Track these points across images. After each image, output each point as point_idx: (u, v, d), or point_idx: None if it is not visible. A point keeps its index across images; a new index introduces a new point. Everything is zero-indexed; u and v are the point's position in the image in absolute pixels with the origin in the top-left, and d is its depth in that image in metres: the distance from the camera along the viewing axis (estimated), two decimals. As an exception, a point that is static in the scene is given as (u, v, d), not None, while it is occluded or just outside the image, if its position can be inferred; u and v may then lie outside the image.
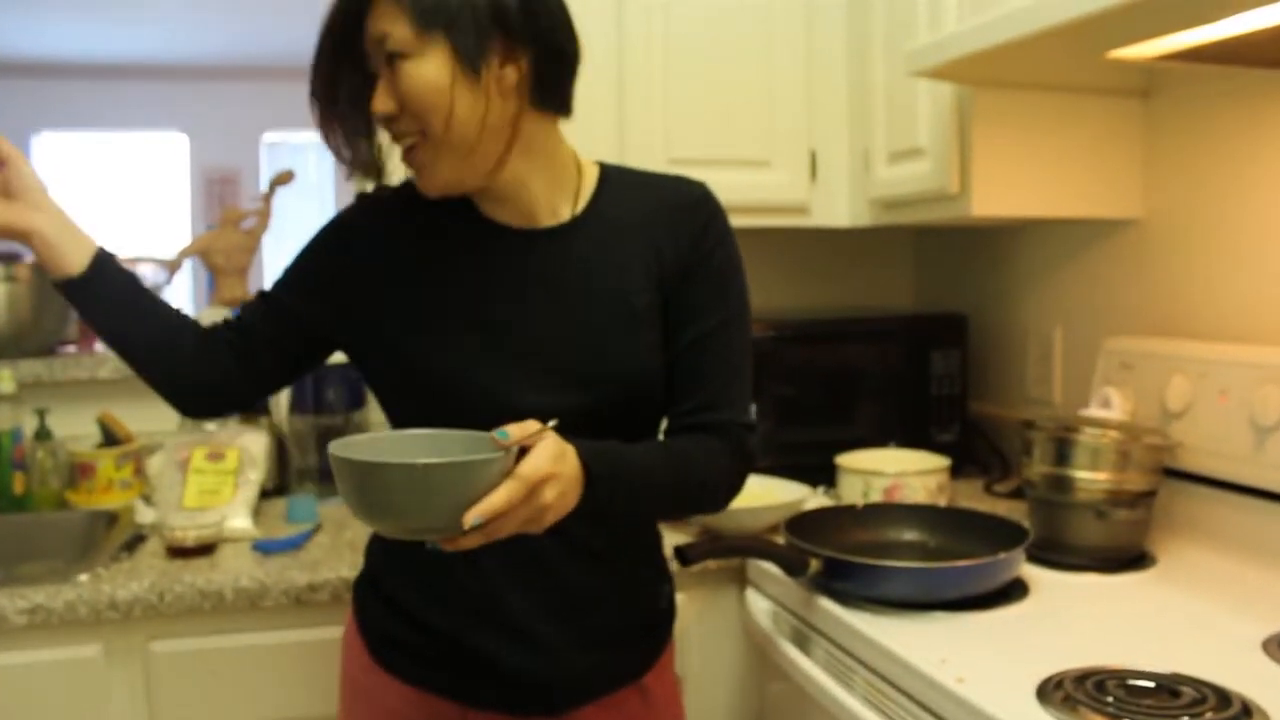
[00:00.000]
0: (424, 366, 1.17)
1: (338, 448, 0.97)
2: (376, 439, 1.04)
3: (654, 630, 1.29)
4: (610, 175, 1.27)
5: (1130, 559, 1.60)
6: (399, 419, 1.22)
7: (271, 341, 1.25)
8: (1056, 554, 1.60)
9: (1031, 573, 1.55)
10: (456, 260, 1.20)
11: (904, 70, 1.65)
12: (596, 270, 1.19)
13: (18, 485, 2.01)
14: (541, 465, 0.95)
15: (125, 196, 8.32)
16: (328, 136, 1.19)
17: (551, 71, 1.17)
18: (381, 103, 1.12)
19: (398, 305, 1.19)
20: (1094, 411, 1.72)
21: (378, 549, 1.30)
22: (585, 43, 2.00)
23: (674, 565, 1.39)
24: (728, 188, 2.02)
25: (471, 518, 0.91)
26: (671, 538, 1.50)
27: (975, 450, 2.22)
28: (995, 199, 1.77)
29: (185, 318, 1.25)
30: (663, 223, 1.22)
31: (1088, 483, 1.58)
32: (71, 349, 2.33)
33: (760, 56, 2.07)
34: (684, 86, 2.04)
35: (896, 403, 2.17)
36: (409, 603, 1.21)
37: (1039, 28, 1.33)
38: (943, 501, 1.86)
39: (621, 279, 1.19)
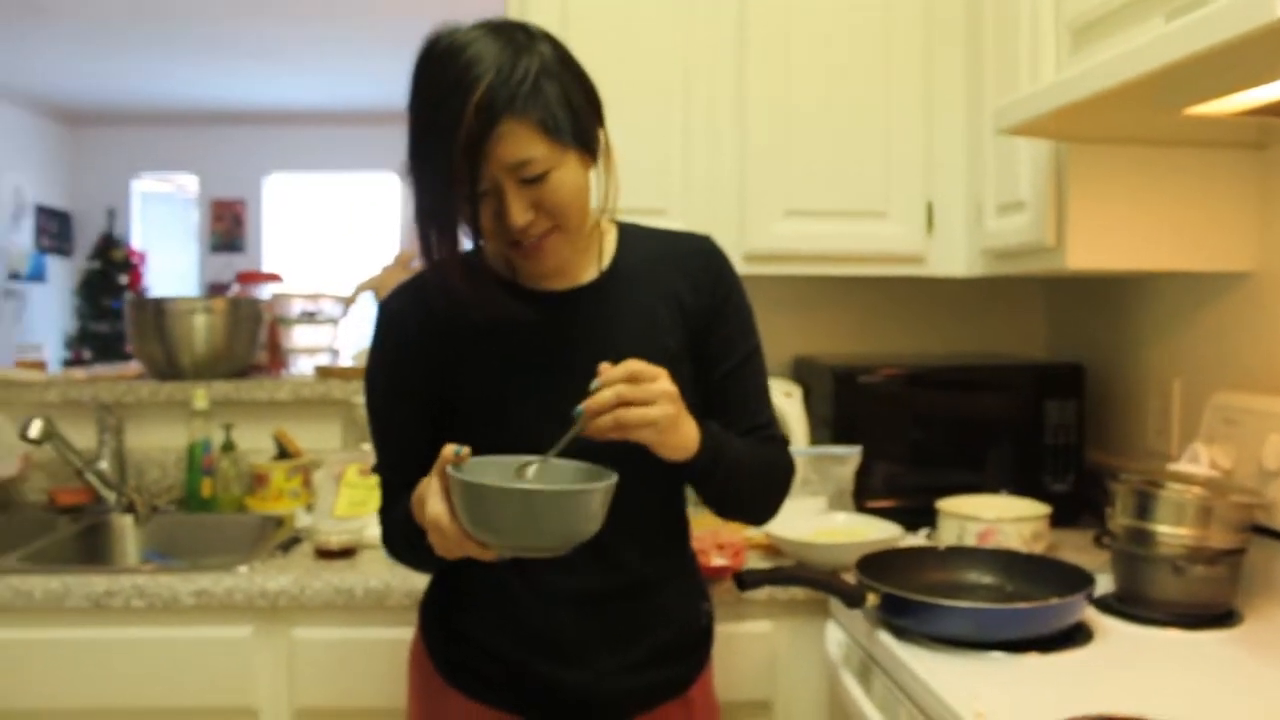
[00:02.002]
0: (495, 437, 1.23)
1: (455, 470, 1.12)
2: (497, 462, 1.18)
3: (696, 648, 1.41)
4: (626, 231, 1.40)
5: (1214, 617, 1.59)
6: None
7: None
8: (1135, 607, 1.62)
9: (1105, 623, 1.58)
10: (508, 330, 1.29)
11: (992, 128, 1.72)
12: (630, 318, 1.32)
13: (205, 489, 2.31)
14: (644, 365, 1.17)
15: (345, 232, 8.98)
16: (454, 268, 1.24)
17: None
18: (522, 215, 1.18)
19: (466, 382, 1.31)
20: (1182, 466, 1.72)
21: (446, 581, 1.43)
22: (710, 95, 2.16)
23: (730, 591, 1.51)
24: (845, 237, 2.15)
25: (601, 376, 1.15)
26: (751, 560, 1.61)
27: (1092, 501, 2.22)
28: (1092, 252, 1.80)
29: None
30: (680, 271, 1.36)
31: (1168, 537, 1.60)
32: (257, 374, 2.63)
33: (879, 109, 2.16)
34: (804, 139, 2.15)
35: (1012, 450, 2.20)
36: (476, 632, 1.35)
37: (1107, 86, 1.36)
38: (1039, 549, 1.89)
39: (653, 324, 1.32)
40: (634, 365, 1.15)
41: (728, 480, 1.29)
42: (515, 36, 1.18)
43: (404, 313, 1.35)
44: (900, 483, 2.17)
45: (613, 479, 1.12)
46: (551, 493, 1.11)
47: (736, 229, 2.14)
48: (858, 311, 2.55)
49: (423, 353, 1.32)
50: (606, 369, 1.15)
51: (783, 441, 1.43)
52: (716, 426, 1.28)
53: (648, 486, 1.31)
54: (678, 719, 1.37)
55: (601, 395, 1.13)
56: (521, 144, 1.15)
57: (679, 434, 1.19)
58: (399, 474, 1.33)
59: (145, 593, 1.77)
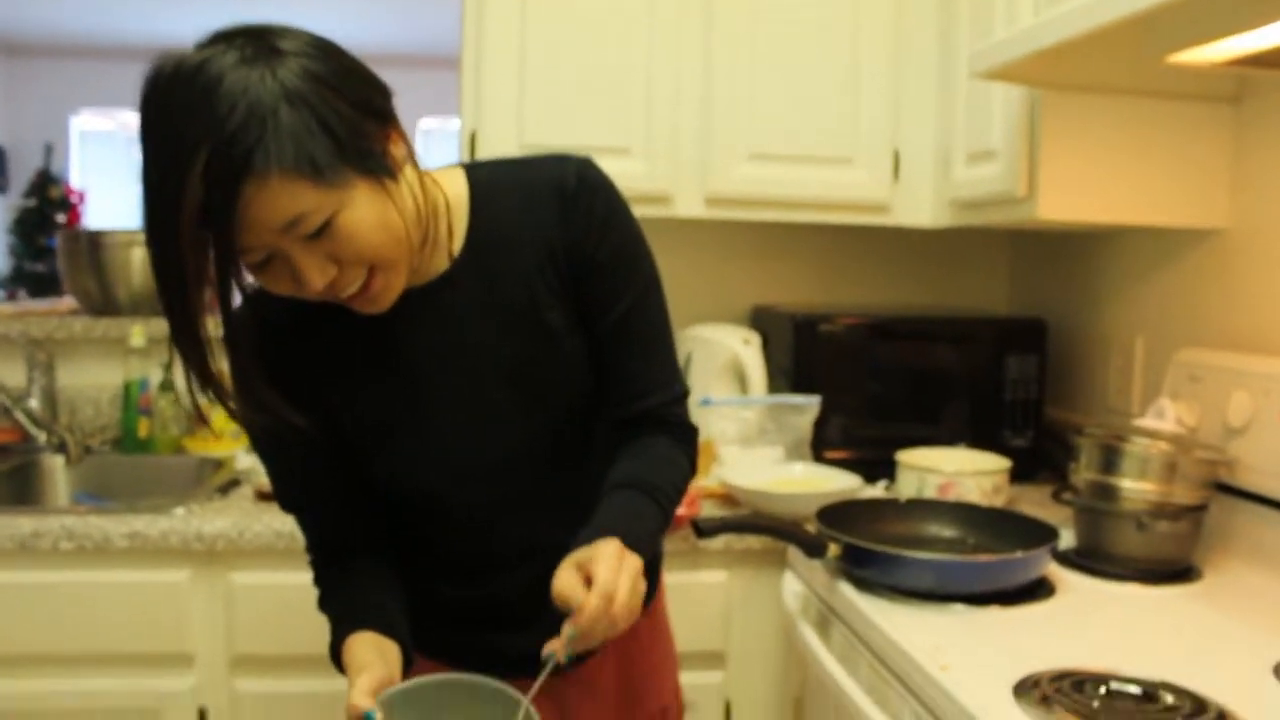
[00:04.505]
0: (386, 462, 1.16)
1: None
2: (404, 692, 1.05)
3: (646, 580, 1.34)
4: (479, 188, 1.17)
5: (1173, 572, 1.58)
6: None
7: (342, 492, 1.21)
8: (1097, 562, 1.60)
9: (1067, 577, 1.56)
10: (365, 342, 1.14)
11: (968, 72, 1.67)
12: (498, 300, 1.14)
13: (142, 429, 2.22)
14: (608, 570, 0.99)
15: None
16: (198, 360, 1.01)
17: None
18: (321, 276, 0.98)
19: (332, 402, 1.16)
20: (1147, 422, 1.70)
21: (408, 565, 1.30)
22: (674, 35, 2.06)
23: (685, 540, 1.44)
24: (809, 183, 2.10)
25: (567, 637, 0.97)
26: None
27: (1050, 456, 2.20)
28: (1064, 204, 1.76)
29: (388, 584, 1.21)
30: (547, 219, 1.13)
31: (1132, 492, 1.58)
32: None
33: (846, 53, 2.10)
34: (769, 82, 2.09)
35: (971, 405, 2.17)
36: (424, 617, 1.24)
37: (1087, 29, 1.32)
38: (999, 504, 1.86)
39: (527, 298, 1.14)
40: (604, 602, 0.98)
41: (652, 549, 1.17)
42: (242, 60, 0.92)
43: (270, 323, 1.13)
44: (858, 434, 2.13)
45: None
46: None
47: (699, 171, 2.09)
48: (819, 261, 2.50)
49: (294, 368, 1.14)
50: (566, 595, 0.99)
51: (667, 412, 1.21)
52: (623, 520, 1.09)
53: (564, 478, 1.21)
54: (628, 649, 1.31)
55: (582, 641, 0.98)
56: (281, 202, 0.92)
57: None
58: (311, 511, 1.22)
59: (74, 534, 1.69)
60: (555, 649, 0.98)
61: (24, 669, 1.71)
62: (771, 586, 1.78)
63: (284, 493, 1.23)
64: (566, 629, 0.98)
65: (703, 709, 1.80)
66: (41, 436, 2.18)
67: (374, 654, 1.08)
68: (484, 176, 1.18)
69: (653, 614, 1.37)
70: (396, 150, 1.02)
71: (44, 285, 7.47)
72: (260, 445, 1.21)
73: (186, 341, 0.99)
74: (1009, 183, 1.79)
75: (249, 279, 1.01)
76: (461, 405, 1.15)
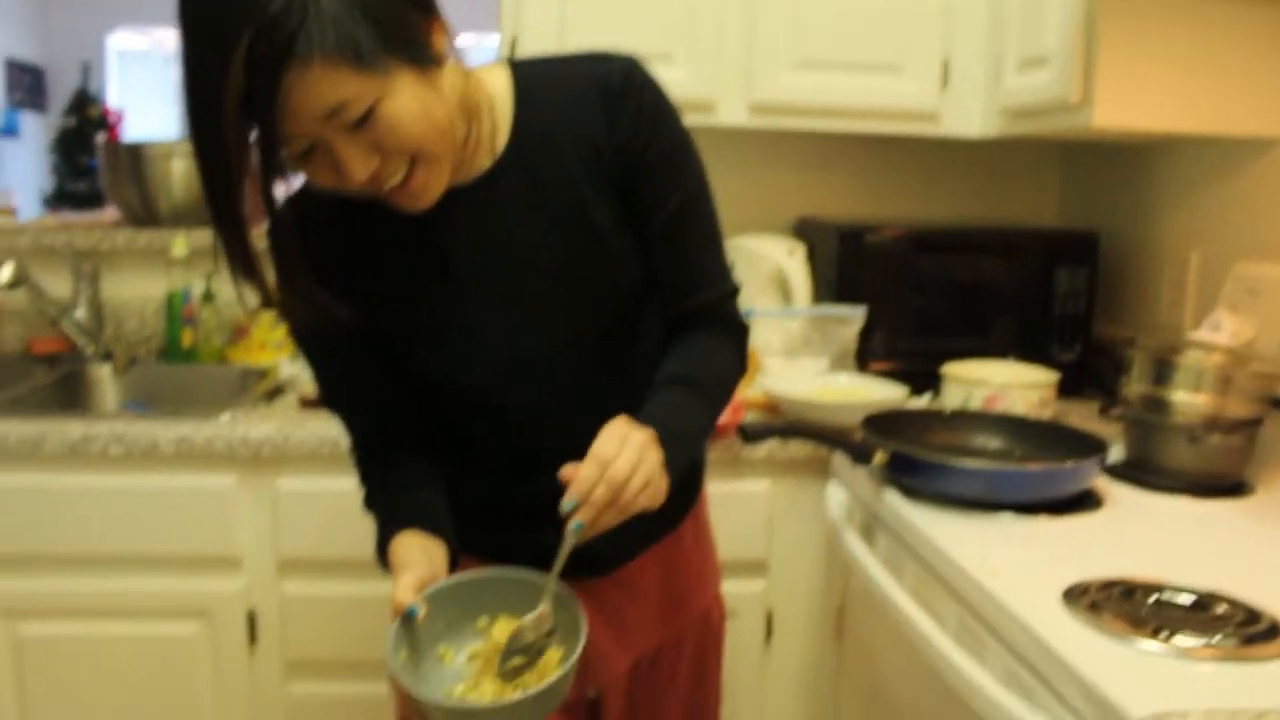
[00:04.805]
0: (431, 363, 1.16)
1: (402, 671, 0.99)
2: (448, 588, 1.06)
3: (687, 487, 1.34)
4: (523, 84, 1.13)
5: (1225, 487, 1.56)
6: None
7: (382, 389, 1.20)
8: (1147, 475, 1.58)
9: (1116, 490, 1.54)
10: (408, 241, 1.12)
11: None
12: (543, 198, 1.11)
13: (185, 339, 2.24)
14: (607, 440, 0.99)
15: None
16: (240, 249, 0.98)
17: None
18: (364, 167, 0.96)
19: (376, 300, 1.14)
20: (1203, 335, 1.66)
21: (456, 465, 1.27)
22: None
23: (729, 450, 1.43)
24: (856, 92, 2.05)
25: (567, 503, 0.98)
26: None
27: (1098, 373, 2.17)
28: (1120, 111, 1.71)
29: (433, 482, 1.21)
30: (593, 117, 1.10)
31: (1185, 405, 1.55)
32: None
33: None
34: (818, -16, 2.02)
35: (1019, 319, 2.14)
36: (470, 516, 1.24)
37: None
38: (1046, 418, 1.84)
39: (572, 196, 1.11)
40: (598, 468, 0.98)
41: (696, 448, 1.20)
42: None
43: (313, 219, 1.09)
44: (903, 347, 2.11)
45: (575, 654, 0.99)
46: (522, 701, 0.97)
47: (743, 78, 2.04)
48: (865, 172, 2.45)
49: (337, 268, 1.11)
50: (570, 475, 0.99)
51: (731, 323, 1.21)
52: (662, 414, 1.08)
53: (611, 379, 1.20)
54: (672, 554, 1.32)
55: (590, 510, 0.98)
56: (323, 88, 0.90)
57: (665, 482, 1.04)
58: (356, 409, 1.22)
59: (124, 439, 1.71)
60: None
61: (78, 570, 1.75)
62: (814, 496, 1.78)
63: (328, 391, 1.23)
64: (565, 500, 0.99)
65: (744, 617, 1.81)
66: (89, 346, 2.21)
67: (419, 552, 1.09)
68: (528, 73, 1.15)
69: (695, 519, 1.37)
70: (439, 41, 1.00)
71: (86, 204, 7.51)
72: (305, 343, 1.20)
73: (230, 232, 0.97)
74: (1063, 89, 1.74)
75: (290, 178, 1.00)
76: (506, 303, 1.14)
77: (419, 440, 1.22)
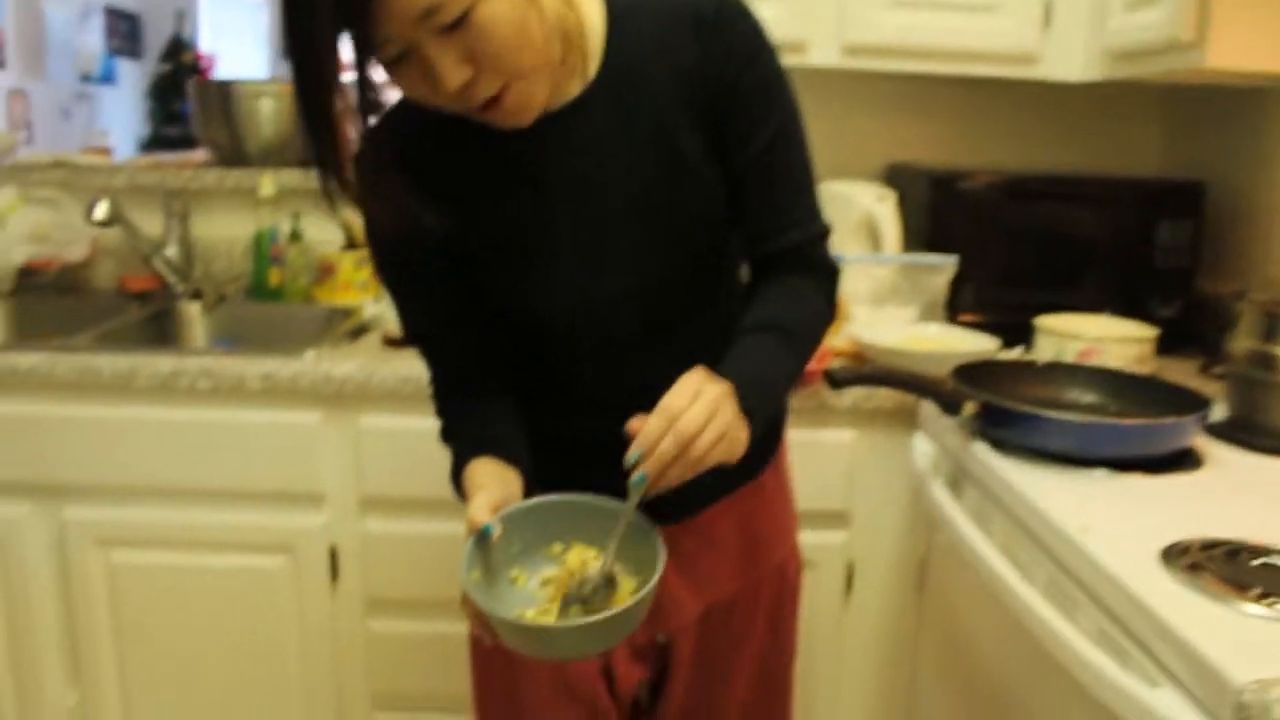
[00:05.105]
0: (500, 284, 1.14)
1: (476, 589, 0.98)
2: (524, 510, 1.05)
3: (769, 437, 1.32)
4: (617, 12, 1.11)
5: (1336, 449, 1.49)
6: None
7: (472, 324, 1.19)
8: (1251, 435, 1.51)
9: (1217, 450, 1.48)
10: (495, 164, 1.10)
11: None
12: (632, 128, 1.09)
13: (272, 279, 2.26)
14: (678, 393, 0.96)
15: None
16: (333, 157, 0.98)
17: None
18: (456, 74, 0.94)
19: (466, 222, 1.12)
20: (1318, 288, 1.58)
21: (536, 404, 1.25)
22: None
23: (812, 398, 1.40)
24: (953, 32, 1.98)
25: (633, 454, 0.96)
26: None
27: (1200, 329, 2.08)
28: (1236, 51, 1.61)
29: (512, 416, 1.20)
30: (686, 46, 1.08)
31: (1295, 362, 1.47)
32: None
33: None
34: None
35: (1116, 271, 2.05)
36: (548, 454, 1.22)
37: None
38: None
39: (662, 127, 1.09)
40: (666, 421, 0.95)
41: (781, 398, 1.17)
42: None
43: (401, 136, 1.07)
44: (994, 298, 2.04)
45: (652, 583, 0.96)
46: (593, 624, 0.95)
47: (836, 18, 1.98)
48: (958, 118, 2.38)
49: (426, 180, 1.09)
50: (636, 428, 0.97)
51: (820, 267, 1.16)
52: (747, 363, 1.06)
53: (695, 318, 1.18)
54: (751, 502, 1.30)
55: (655, 462, 0.95)
56: None
57: (743, 434, 1.01)
58: (438, 341, 1.22)
59: (211, 374, 1.73)
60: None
61: (167, 502, 1.79)
62: (899, 447, 1.74)
63: (410, 320, 1.23)
64: (630, 452, 0.97)
65: (824, 569, 1.79)
66: (179, 284, 2.25)
67: (494, 477, 1.09)
68: (621, 1, 1.12)
69: (775, 470, 1.34)
70: None
71: (179, 148, 7.65)
72: (387, 272, 1.20)
73: (323, 139, 0.97)
74: (1175, 28, 1.65)
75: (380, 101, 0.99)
76: (590, 232, 1.11)
77: (500, 373, 1.21)
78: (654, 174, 1.10)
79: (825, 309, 1.18)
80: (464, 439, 1.16)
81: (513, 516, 1.04)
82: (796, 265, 1.15)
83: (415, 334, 1.24)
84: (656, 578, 0.96)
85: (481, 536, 1.01)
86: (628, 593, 1.02)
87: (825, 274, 1.18)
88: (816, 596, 1.79)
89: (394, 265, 1.18)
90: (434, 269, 1.15)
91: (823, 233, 1.17)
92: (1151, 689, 0.97)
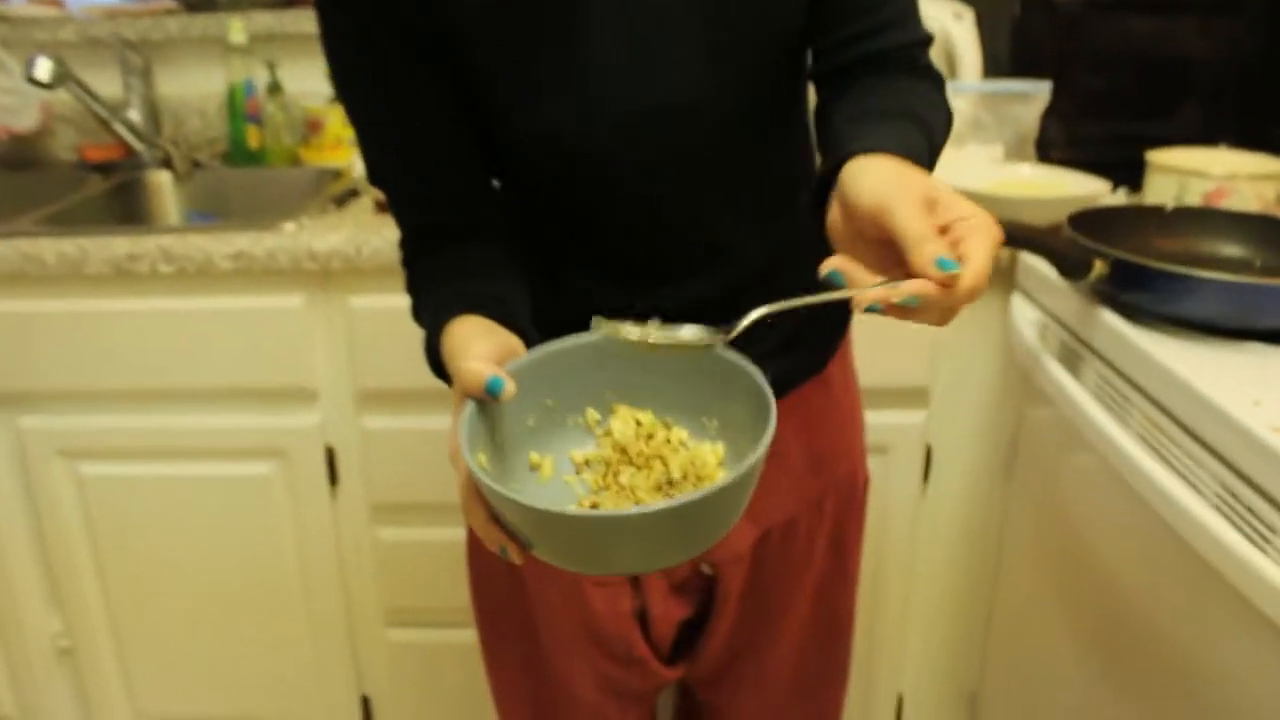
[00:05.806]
0: (518, 106, 0.84)
1: (485, 476, 0.63)
2: (520, 374, 0.72)
3: (832, 323, 1.06)
4: None
5: None
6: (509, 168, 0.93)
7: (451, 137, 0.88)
8: None
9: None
10: None
11: None
12: None
13: (252, 139, 1.97)
14: (984, 257, 0.66)
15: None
16: None
17: None
18: None
19: (477, 28, 0.82)
20: None
21: (544, 262, 0.97)
22: None
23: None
24: None
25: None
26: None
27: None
28: None
29: (511, 272, 0.90)
30: None
31: None
32: (304, 2, 2.22)
33: None
34: None
35: (1236, 95, 1.73)
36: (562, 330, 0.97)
37: None
38: (1282, 216, 1.48)
39: None
40: (979, 277, 0.66)
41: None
42: None
43: None
44: (1087, 132, 1.73)
45: (764, 444, 0.62)
46: (691, 505, 0.60)
47: None
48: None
49: None
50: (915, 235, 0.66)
51: (930, 73, 0.89)
52: (919, 138, 0.78)
53: (759, 148, 0.91)
54: (816, 401, 1.06)
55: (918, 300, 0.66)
56: None
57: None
58: (407, 176, 0.90)
59: (173, 256, 1.47)
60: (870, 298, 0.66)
61: (137, 405, 1.55)
62: (989, 315, 1.47)
63: (372, 151, 0.90)
64: (898, 289, 0.65)
65: (900, 452, 1.54)
66: (145, 151, 1.97)
67: (482, 331, 0.78)
68: None
69: (842, 361, 1.10)
70: None
71: None
72: (344, 81, 0.86)
73: None
74: None
75: None
76: (636, 39, 0.81)
77: (489, 222, 0.92)
78: None
79: (948, 116, 0.88)
80: (440, 300, 0.85)
81: (522, 372, 0.72)
82: (903, 67, 0.87)
83: (378, 172, 0.91)
84: (768, 435, 0.63)
85: (489, 394, 0.69)
86: (713, 463, 0.70)
87: (936, 82, 0.88)
88: (890, 485, 1.55)
89: (355, 66, 0.85)
90: (407, 68, 0.83)
91: (927, 38, 0.89)
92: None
